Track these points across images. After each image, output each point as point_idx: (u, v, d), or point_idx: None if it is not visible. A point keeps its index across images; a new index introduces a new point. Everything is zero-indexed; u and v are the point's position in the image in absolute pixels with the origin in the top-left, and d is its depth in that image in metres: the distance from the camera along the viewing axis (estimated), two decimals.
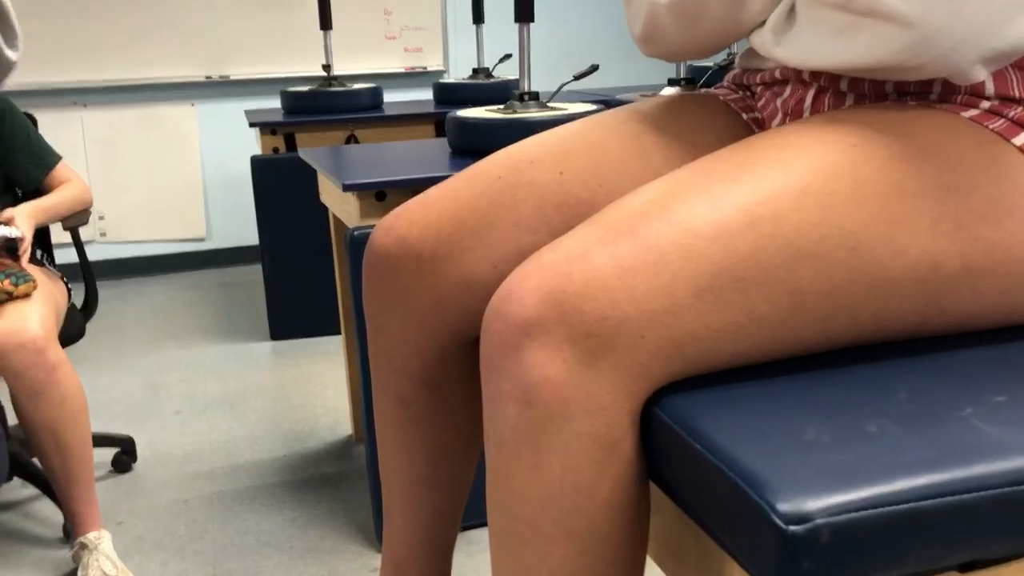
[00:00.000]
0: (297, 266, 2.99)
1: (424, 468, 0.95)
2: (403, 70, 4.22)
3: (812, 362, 0.68)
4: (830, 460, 0.54)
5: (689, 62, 2.95)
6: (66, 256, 2.23)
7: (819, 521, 0.50)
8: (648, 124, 0.90)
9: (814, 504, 0.50)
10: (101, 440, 2.12)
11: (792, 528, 0.50)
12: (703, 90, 0.98)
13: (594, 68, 2.17)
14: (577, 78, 2.16)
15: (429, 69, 4.25)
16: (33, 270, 1.78)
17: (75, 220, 1.99)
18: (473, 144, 1.87)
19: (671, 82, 2.73)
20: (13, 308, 1.64)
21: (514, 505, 0.66)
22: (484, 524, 1.85)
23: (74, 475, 1.70)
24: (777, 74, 0.88)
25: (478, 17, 3.23)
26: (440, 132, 3.07)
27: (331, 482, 2.09)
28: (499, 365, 0.65)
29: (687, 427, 0.60)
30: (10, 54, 0.76)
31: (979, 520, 0.53)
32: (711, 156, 0.73)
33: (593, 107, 1.96)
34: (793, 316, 0.66)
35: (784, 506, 0.50)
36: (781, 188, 0.66)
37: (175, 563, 1.78)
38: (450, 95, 3.22)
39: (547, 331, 0.62)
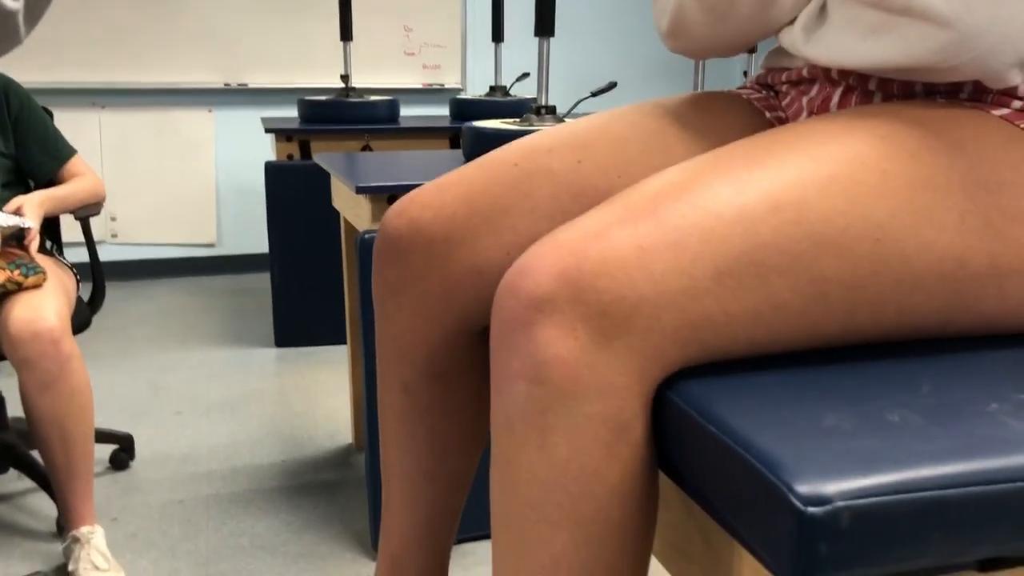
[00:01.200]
0: (305, 274, 2.98)
1: (426, 460, 0.92)
2: (420, 86, 4.23)
3: (832, 355, 0.66)
4: (851, 446, 0.52)
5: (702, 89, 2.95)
6: (76, 255, 2.23)
7: (839, 504, 0.48)
8: (670, 119, 0.89)
9: (834, 487, 0.48)
10: (100, 436, 2.10)
11: (811, 510, 0.47)
12: (726, 90, 0.97)
13: (612, 85, 2.16)
14: (595, 94, 2.16)
15: (447, 86, 4.26)
16: (42, 259, 1.77)
17: (86, 211, 1.98)
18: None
19: None
20: (28, 297, 1.62)
21: (518, 488, 0.64)
22: (481, 537, 1.82)
23: (75, 468, 1.67)
24: (804, 72, 0.86)
25: (497, 36, 3.24)
26: (455, 146, 3.06)
27: (329, 489, 2.06)
28: (509, 342, 0.63)
29: (701, 410, 0.58)
30: (8, 2, 0.74)
31: (1005, 513, 0.50)
32: (736, 143, 0.71)
33: None
34: (814, 306, 0.64)
35: (803, 487, 0.48)
36: (807, 175, 0.65)
37: (166, 562, 1.75)
38: (467, 111, 3.22)
39: (560, 308, 0.61)
